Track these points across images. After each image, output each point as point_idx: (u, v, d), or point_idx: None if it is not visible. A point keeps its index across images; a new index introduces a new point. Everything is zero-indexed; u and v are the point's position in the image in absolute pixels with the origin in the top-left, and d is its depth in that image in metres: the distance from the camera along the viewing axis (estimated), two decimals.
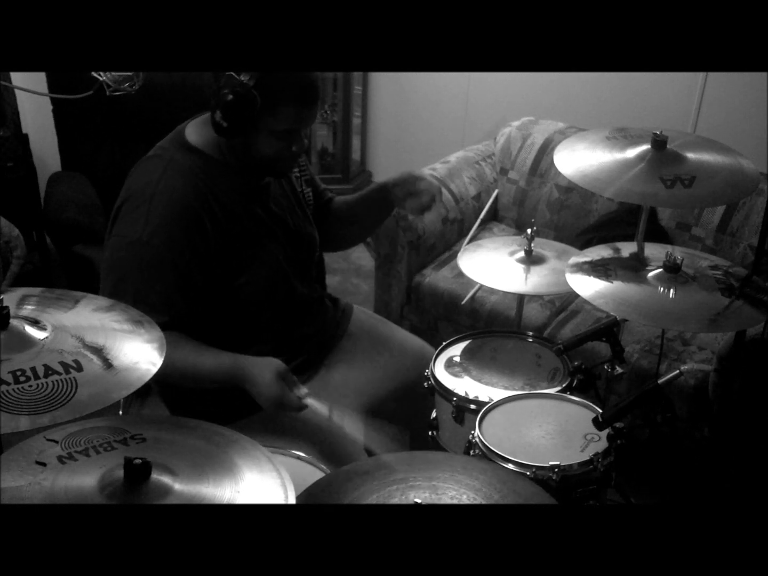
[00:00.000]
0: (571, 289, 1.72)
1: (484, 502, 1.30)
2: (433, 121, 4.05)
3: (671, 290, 1.68)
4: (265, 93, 1.58)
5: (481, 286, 2.53)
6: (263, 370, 1.61)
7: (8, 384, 1.04)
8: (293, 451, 1.62)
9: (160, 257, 1.62)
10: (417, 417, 1.95)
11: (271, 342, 1.83)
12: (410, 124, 4.16)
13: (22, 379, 1.05)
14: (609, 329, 1.82)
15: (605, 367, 1.86)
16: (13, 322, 1.12)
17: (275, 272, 1.79)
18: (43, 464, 1.10)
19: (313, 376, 1.90)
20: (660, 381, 1.53)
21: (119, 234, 1.66)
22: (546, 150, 2.98)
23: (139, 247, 1.63)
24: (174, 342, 1.60)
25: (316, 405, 1.62)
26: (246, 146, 1.67)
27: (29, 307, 1.20)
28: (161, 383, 1.82)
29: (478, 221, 3.01)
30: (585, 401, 1.73)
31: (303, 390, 1.62)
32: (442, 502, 1.30)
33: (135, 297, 1.61)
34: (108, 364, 1.12)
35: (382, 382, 1.80)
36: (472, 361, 1.95)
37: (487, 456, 1.59)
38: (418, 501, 1.27)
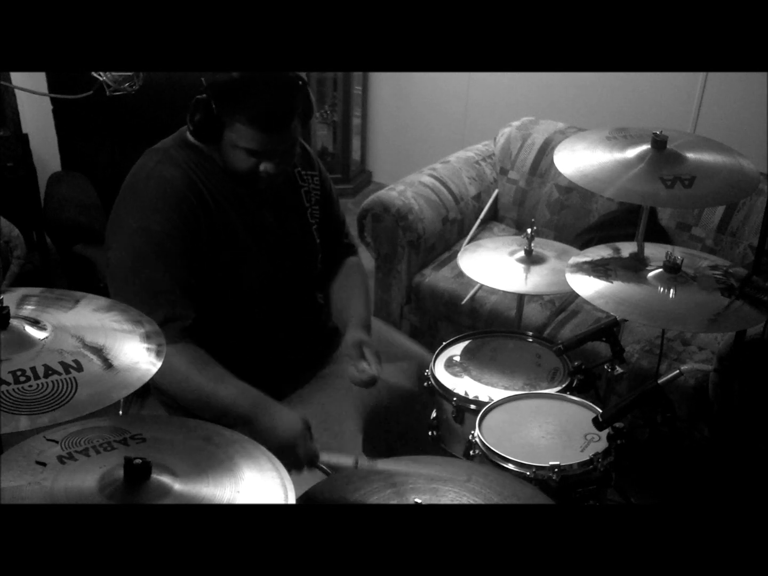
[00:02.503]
0: (571, 289, 1.72)
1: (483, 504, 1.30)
2: (433, 121, 4.05)
3: (671, 290, 1.68)
4: (223, 105, 1.59)
5: (481, 286, 2.54)
6: (289, 413, 1.60)
7: (8, 384, 1.03)
8: None
9: (164, 242, 1.62)
10: (416, 422, 1.95)
11: (268, 346, 1.82)
12: (410, 124, 4.16)
13: (22, 379, 1.05)
14: (609, 329, 1.82)
15: (605, 367, 1.86)
16: (13, 322, 1.12)
17: (267, 279, 1.78)
18: (43, 464, 1.10)
19: (312, 377, 1.90)
20: (660, 381, 1.53)
21: (121, 229, 1.66)
22: (546, 150, 2.98)
23: (141, 235, 1.62)
24: (194, 360, 1.59)
25: (335, 459, 1.55)
26: (221, 154, 1.68)
27: (29, 307, 1.20)
28: (160, 391, 1.81)
29: (478, 221, 3.01)
30: (585, 401, 1.73)
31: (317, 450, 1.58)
32: (441, 503, 1.30)
33: (155, 287, 1.60)
34: (108, 364, 1.11)
35: (381, 387, 1.79)
36: (472, 361, 1.95)
37: (487, 456, 1.59)
38: (418, 501, 1.27)
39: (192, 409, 1.65)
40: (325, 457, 1.55)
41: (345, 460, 1.52)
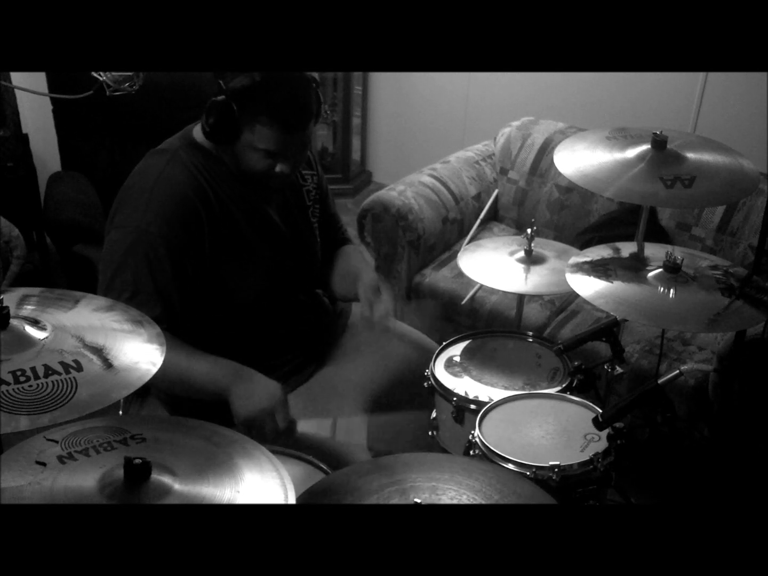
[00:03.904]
0: (571, 289, 1.72)
1: (483, 503, 1.30)
2: (433, 121, 4.05)
3: (671, 290, 1.68)
4: (243, 107, 1.59)
5: (481, 286, 2.54)
6: (266, 380, 1.61)
7: (8, 384, 1.03)
8: (293, 451, 1.62)
9: (157, 246, 1.62)
10: (419, 411, 1.95)
11: (270, 344, 1.83)
12: (410, 124, 4.16)
13: (22, 379, 1.05)
14: (609, 329, 1.82)
15: (605, 367, 1.86)
16: (13, 322, 1.12)
17: (270, 277, 1.79)
18: (43, 464, 1.10)
19: (313, 374, 1.90)
20: (660, 381, 1.53)
21: (120, 224, 1.67)
22: (546, 150, 2.98)
23: (137, 235, 1.63)
24: (167, 344, 1.61)
25: (312, 428, 1.61)
26: (234, 156, 1.68)
27: (29, 307, 1.20)
28: (156, 387, 1.82)
29: (478, 221, 3.01)
30: (585, 401, 1.73)
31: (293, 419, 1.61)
32: (441, 502, 1.30)
33: (133, 286, 1.61)
34: (108, 364, 1.12)
35: (383, 376, 1.80)
36: (472, 361, 1.95)
37: (487, 456, 1.59)
38: (418, 501, 1.27)
39: (171, 390, 1.68)
40: (303, 426, 1.60)
41: (322, 424, 1.61)
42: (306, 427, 1.62)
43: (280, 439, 1.57)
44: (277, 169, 1.67)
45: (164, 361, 1.58)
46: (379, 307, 1.74)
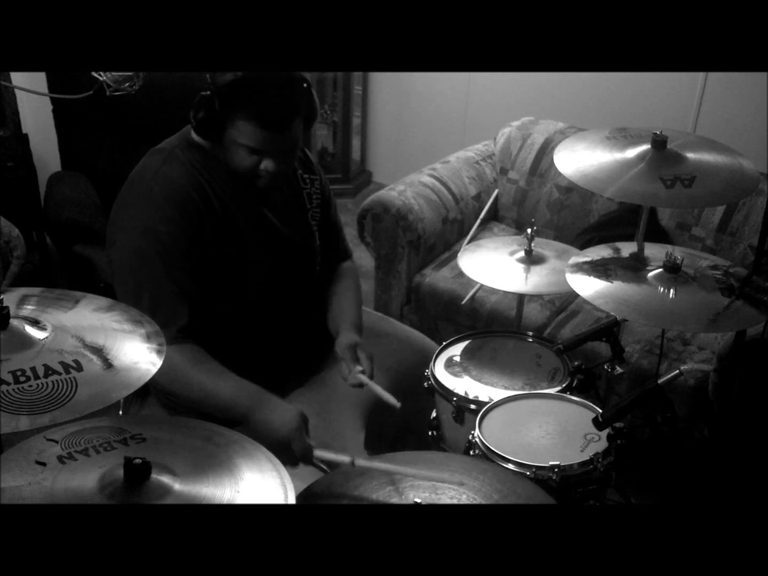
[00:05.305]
0: (571, 289, 1.73)
1: (483, 502, 1.30)
2: (433, 121, 4.05)
3: (671, 290, 1.68)
4: (224, 102, 1.59)
5: (481, 286, 2.54)
6: (286, 407, 1.60)
7: (8, 384, 1.04)
8: None
9: (166, 242, 1.62)
10: (418, 414, 1.95)
11: (270, 345, 1.82)
12: (410, 124, 4.16)
13: (22, 379, 1.05)
14: (609, 329, 1.82)
15: (605, 367, 1.86)
16: (13, 322, 1.12)
17: (269, 276, 1.79)
18: (43, 464, 1.10)
19: (313, 376, 1.90)
20: (660, 381, 1.53)
21: (126, 228, 1.66)
22: (546, 150, 2.98)
23: (145, 235, 1.63)
24: (193, 359, 1.60)
25: (331, 456, 1.55)
26: (223, 152, 1.68)
27: (29, 307, 1.20)
28: (162, 391, 1.81)
29: (478, 221, 3.01)
30: (585, 401, 1.73)
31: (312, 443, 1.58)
32: (441, 502, 1.30)
33: (152, 287, 1.61)
34: (108, 364, 1.12)
35: (383, 378, 1.80)
36: (472, 361, 1.95)
37: (487, 456, 1.59)
38: (418, 501, 1.27)
39: (192, 406, 1.66)
40: (321, 454, 1.55)
41: (341, 458, 1.51)
42: (323, 455, 1.57)
43: (297, 466, 1.55)
44: (262, 166, 1.66)
45: (190, 378, 1.60)
46: (355, 370, 1.72)
